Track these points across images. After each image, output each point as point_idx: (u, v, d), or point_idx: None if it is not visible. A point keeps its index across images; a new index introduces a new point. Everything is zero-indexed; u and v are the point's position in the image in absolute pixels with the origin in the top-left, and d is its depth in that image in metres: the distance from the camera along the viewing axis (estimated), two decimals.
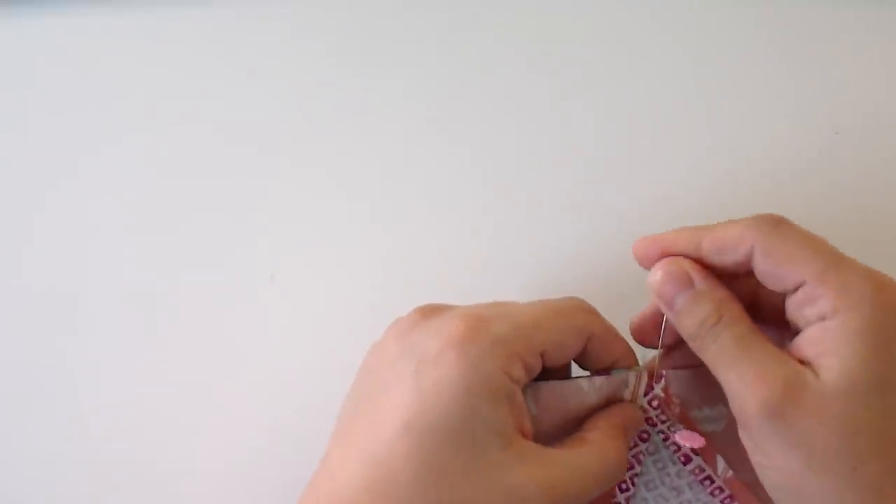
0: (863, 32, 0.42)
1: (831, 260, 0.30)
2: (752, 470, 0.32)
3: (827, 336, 0.30)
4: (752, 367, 0.30)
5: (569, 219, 0.41)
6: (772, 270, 0.31)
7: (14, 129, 0.43)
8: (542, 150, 0.42)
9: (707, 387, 0.34)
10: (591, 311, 0.34)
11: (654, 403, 0.35)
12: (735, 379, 0.30)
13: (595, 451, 0.32)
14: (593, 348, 0.34)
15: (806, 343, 0.30)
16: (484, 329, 0.31)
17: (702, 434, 0.34)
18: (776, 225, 0.31)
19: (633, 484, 0.35)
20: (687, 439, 0.34)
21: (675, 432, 0.34)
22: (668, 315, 0.33)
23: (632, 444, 0.35)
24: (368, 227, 0.41)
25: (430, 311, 0.33)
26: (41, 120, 0.43)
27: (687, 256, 0.32)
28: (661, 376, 0.35)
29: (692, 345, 0.32)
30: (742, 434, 0.31)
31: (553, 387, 0.34)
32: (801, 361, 0.30)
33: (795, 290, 0.31)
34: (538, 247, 0.41)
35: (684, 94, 0.42)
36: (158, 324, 0.41)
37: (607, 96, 0.42)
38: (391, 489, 0.30)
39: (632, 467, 0.36)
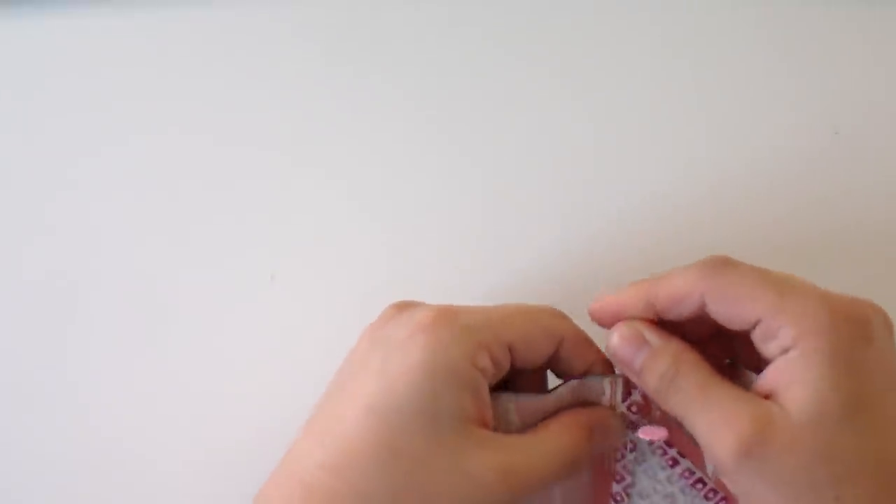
0: (863, 32, 0.42)
1: (782, 290, 0.30)
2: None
3: (790, 367, 0.29)
4: (718, 412, 0.30)
5: (572, 222, 0.41)
6: (726, 314, 0.31)
7: (14, 130, 0.43)
8: (544, 154, 0.42)
9: None
10: (563, 316, 0.35)
11: (633, 409, 0.35)
12: (703, 426, 0.30)
13: (552, 438, 0.33)
14: (565, 352, 0.34)
15: (771, 377, 0.30)
16: (452, 317, 0.32)
17: (688, 438, 0.34)
18: (721, 267, 0.31)
19: (627, 496, 0.35)
20: (649, 434, 0.34)
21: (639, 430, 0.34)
22: (630, 377, 0.33)
23: (619, 455, 0.35)
24: (369, 228, 0.41)
25: (404, 306, 0.34)
26: (41, 120, 0.43)
27: (642, 317, 0.33)
28: None
29: (659, 401, 0.32)
30: (723, 479, 0.31)
31: (534, 400, 0.34)
32: (768, 396, 0.30)
33: (754, 327, 0.30)
34: (540, 249, 0.41)
35: (684, 95, 0.42)
36: (158, 324, 0.41)
37: (606, 97, 0.42)
38: (349, 469, 0.30)
39: (623, 479, 0.35)
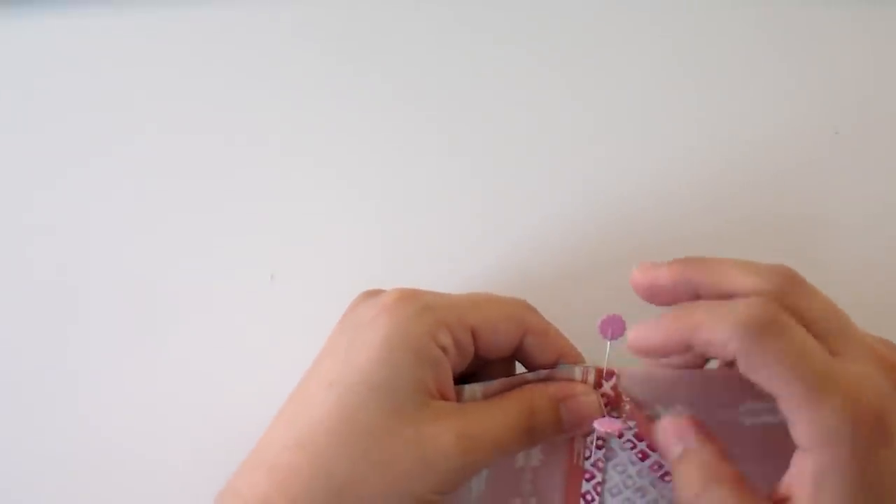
0: (862, 32, 0.42)
1: (811, 384, 0.29)
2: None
3: (802, 476, 0.29)
4: None
5: (572, 222, 0.41)
6: (752, 377, 0.30)
7: (14, 129, 0.43)
8: (545, 155, 0.42)
9: (663, 387, 0.34)
10: (530, 308, 0.35)
11: (603, 401, 0.35)
12: None
13: (512, 403, 0.33)
14: (532, 343, 0.34)
15: (791, 480, 0.30)
16: (417, 297, 0.33)
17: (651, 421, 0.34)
18: (760, 334, 0.29)
19: (597, 493, 0.35)
20: (605, 425, 0.34)
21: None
22: (666, 462, 0.33)
23: (587, 453, 0.35)
24: (369, 228, 0.41)
25: (373, 292, 0.35)
26: (41, 119, 0.43)
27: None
28: (611, 374, 0.35)
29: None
30: None
31: (500, 384, 0.34)
32: (789, 499, 0.29)
33: (776, 400, 0.30)
34: (542, 250, 0.41)
35: (683, 94, 0.42)
36: (158, 324, 0.41)
37: (605, 97, 0.42)
38: (311, 444, 0.31)
39: (593, 477, 0.35)
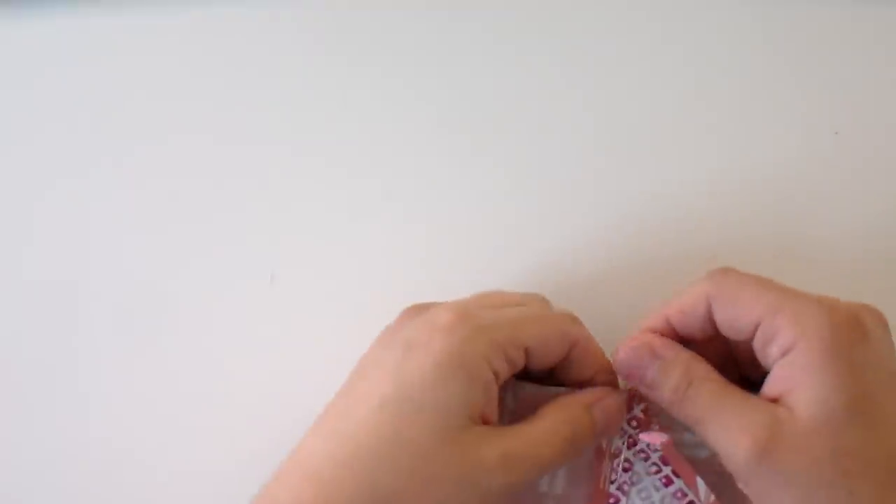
0: (863, 33, 0.42)
1: (780, 294, 0.31)
2: (734, 498, 0.32)
3: (793, 371, 0.30)
4: (732, 419, 0.31)
5: (573, 224, 0.41)
6: (729, 317, 0.32)
7: (14, 129, 0.43)
8: (546, 156, 0.42)
9: None
10: (577, 321, 0.35)
11: (633, 424, 0.35)
12: (718, 434, 0.31)
13: (550, 417, 0.33)
14: (576, 357, 0.35)
15: (776, 381, 0.31)
16: (471, 318, 0.33)
17: (681, 457, 0.34)
18: (724, 274, 0.33)
19: None
20: (651, 438, 0.34)
21: (639, 434, 0.35)
22: (641, 389, 0.34)
23: (613, 476, 0.35)
24: (369, 227, 0.41)
25: (418, 310, 0.34)
26: (41, 120, 0.43)
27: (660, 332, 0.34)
28: (642, 397, 0.35)
29: (672, 411, 0.33)
30: (739, 485, 0.32)
31: (535, 389, 0.35)
32: (776, 400, 0.31)
33: (755, 331, 0.31)
34: (543, 251, 0.41)
35: (683, 95, 0.42)
36: (158, 324, 0.41)
37: (606, 98, 0.42)
38: (358, 459, 0.31)
39: (617, 501, 0.35)
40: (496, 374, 0.32)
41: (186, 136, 0.42)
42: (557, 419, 0.33)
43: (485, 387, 0.32)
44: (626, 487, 0.35)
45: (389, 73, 0.43)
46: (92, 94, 0.43)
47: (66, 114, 0.43)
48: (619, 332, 0.35)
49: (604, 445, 0.36)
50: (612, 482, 0.35)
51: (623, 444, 0.35)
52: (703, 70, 0.42)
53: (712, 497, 0.35)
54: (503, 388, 0.34)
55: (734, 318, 0.32)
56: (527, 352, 0.33)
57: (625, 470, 0.35)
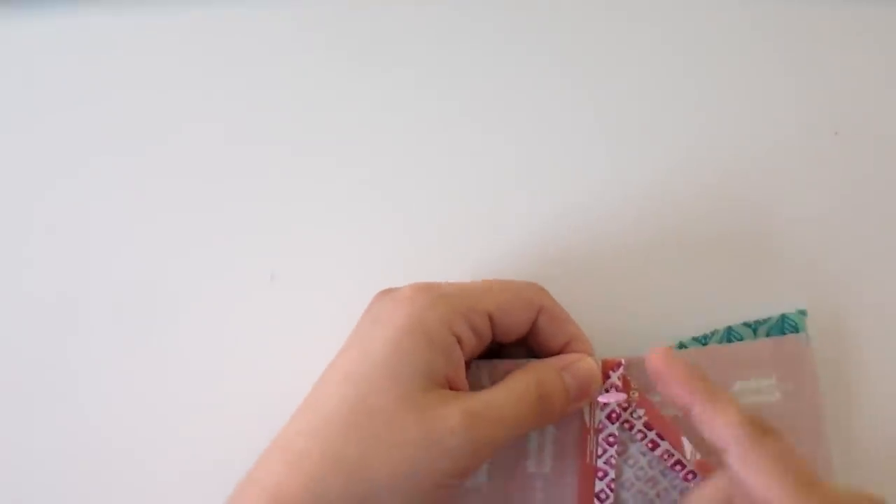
0: (863, 32, 0.42)
1: (799, 489, 0.29)
2: (717, 453, 0.32)
3: None
4: None
5: (570, 221, 0.41)
6: (743, 478, 0.30)
7: (14, 130, 0.43)
8: (546, 156, 0.42)
9: None
10: (542, 289, 0.36)
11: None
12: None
13: (517, 380, 0.34)
14: (544, 324, 0.35)
15: None
16: (432, 289, 0.34)
17: (667, 419, 0.35)
18: (760, 436, 0.30)
19: (611, 490, 0.36)
20: (609, 397, 0.35)
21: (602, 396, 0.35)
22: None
23: (600, 450, 0.36)
24: (368, 227, 0.41)
25: (387, 291, 0.35)
26: (41, 120, 0.43)
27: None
28: (618, 364, 0.36)
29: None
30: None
31: (510, 364, 0.35)
32: None
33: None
34: (542, 250, 0.41)
35: (684, 94, 0.42)
36: (158, 324, 0.41)
37: (605, 96, 0.42)
38: (324, 430, 0.32)
39: (606, 474, 0.36)
40: (459, 339, 0.33)
41: (186, 136, 0.42)
42: (525, 380, 0.34)
43: (445, 350, 0.32)
44: (613, 461, 0.36)
45: (390, 72, 0.43)
46: (92, 94, 0.43)
47: (67, 113, 0.43)
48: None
49: (587, 422, 0.36)
50: (598, 457, 0.36)
51: (605, 417, 0.36)
52: (702, 69, 0.42)
53: (698, 455, 0.35)
54: (478, 368, 0.35)
55: (748, 483, 0.30)
56: (492, 319, 0.34)
57: (610, 444, 0.36)
